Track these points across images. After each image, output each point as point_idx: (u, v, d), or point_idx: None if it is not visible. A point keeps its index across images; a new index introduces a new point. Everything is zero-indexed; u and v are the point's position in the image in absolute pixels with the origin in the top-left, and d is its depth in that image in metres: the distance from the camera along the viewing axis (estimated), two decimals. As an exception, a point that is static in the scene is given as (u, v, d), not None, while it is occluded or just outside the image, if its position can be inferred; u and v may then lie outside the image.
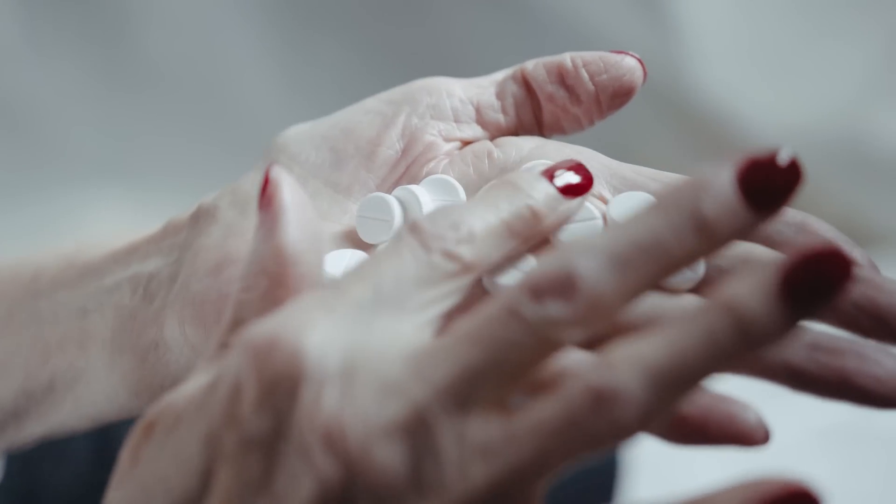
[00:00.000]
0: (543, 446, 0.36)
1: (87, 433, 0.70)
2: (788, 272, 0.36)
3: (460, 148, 0.53)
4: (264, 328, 0.38)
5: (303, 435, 0.37)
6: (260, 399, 0.38)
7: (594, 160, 0.51)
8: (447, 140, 0.53)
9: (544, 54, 0.54)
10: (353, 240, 0.51)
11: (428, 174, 0.52)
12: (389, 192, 0.52)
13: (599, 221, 0.49)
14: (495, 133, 0.54)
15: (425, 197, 0.51)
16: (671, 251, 0.37)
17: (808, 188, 1.25)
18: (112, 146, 1.36)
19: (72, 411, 0.56)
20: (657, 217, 0.37)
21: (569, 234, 0.48)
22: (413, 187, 0.51)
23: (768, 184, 0.37)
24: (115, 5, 1.34)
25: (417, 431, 0.37)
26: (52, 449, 0.70)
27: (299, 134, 0.53)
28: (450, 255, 0.41)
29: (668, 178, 0.50)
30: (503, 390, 0.37)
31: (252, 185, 0.52)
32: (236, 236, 0.51)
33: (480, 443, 0.37)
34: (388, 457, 0.37)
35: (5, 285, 0.59)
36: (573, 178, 0.46)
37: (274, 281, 0.42)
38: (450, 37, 1.34)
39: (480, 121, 0.53)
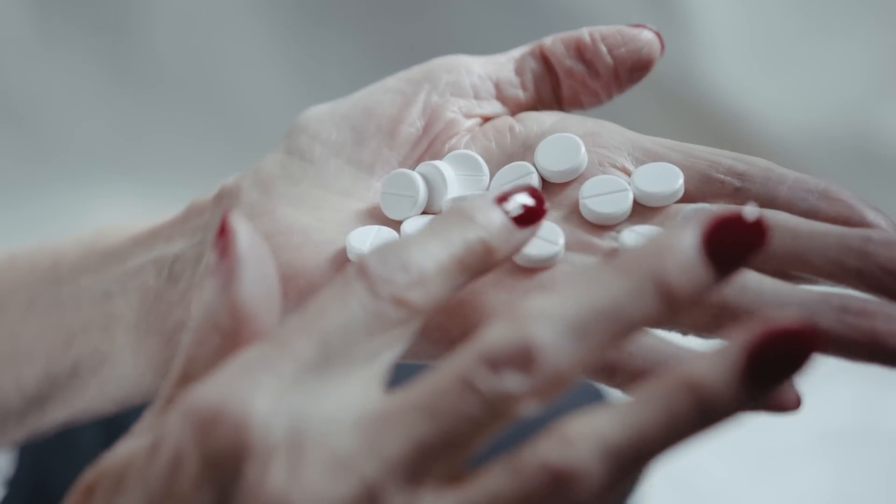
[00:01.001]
0: None
1: (97, 427, 0.70)
2: (752, 352, 0.35)
3: (481, 124, 0.53)
4: (207, 396, 0.37)
5: None
6: (202, 474, 0.36)
7: (616, 132, 0.51)
8: (467, 116, 0.53)
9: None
10: (377, 216, 0.51)
11: (450, 150, 0.52)
12: (412, 168, 0.52)
13: (629, 192, 0.49)
14: (515, 109, 0.54)
15: (449, 172, 0.51)
16: (631, 316, 0.36)
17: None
18: (120, 142, 1.36)
19: (96, 395, 0.56)
20: (617, 281, 0.36)
21: (598, 205, 0.48)
22: (437, 163, 0.51)
23: (734, 246, 0.36)
24: (123, 2, 1.34)
25: None
26: (61, 443, 0.70)
27: (320, 114, 0.53)
28: (399, 302, 0.39)
29: (689, 148, 0.50)
30: (455, 460, 0.36)
31: (274, 164, 0.52)
32: (260, 216, 0.51)
33: None
34: None
35: (25, 273, 0.59)
36: (527, 200, 0.42)
37: (227, 337, 0.40)
38: (459, 33, 1.34)
39: (500, 97, 0.53)
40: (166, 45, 1.35)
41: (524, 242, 0.43)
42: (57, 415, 0.57)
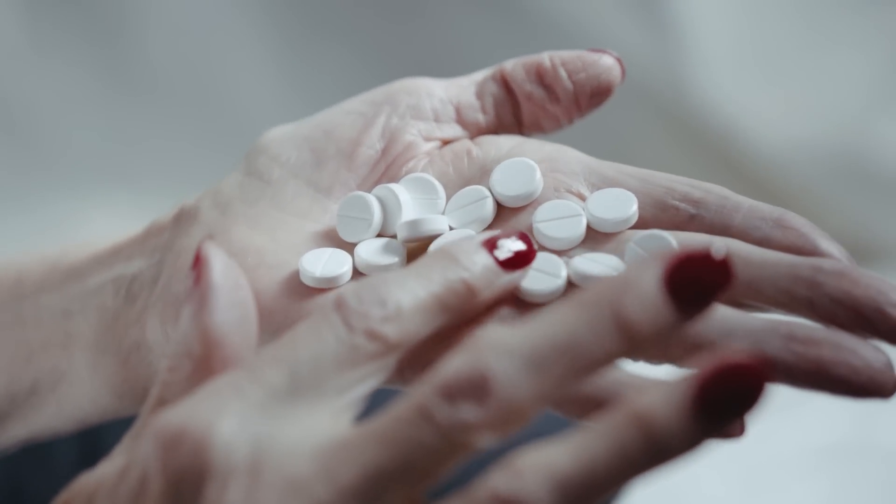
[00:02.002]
0: None
1: (71, 435, 0.70)
2: (702, 388, 0.35)
3: (440, 147, 0.53)
4: (173, 418, 0.37)
5: None
6: (165, 493, 0.37)
7: (573, 158, 0.51)
8: (427, 139, 0.53)
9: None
10: (333, 239, 0.51)
11: (407, 173, 0.52)
12: (370, 191, 0.52)
13: (583, 217, 0.48)
14: (475, 132, 0.54)
15: (405, 195, 0.51)
16: (589, 352, 0.36)
17: (811, 200, 1.25)
18: (114, 150, 1.37)
19: (55, 413, 0.56)
20: (577, 315, 0.36)
21: (551, 229, 0.48)
22: (393, 186, 0.51)
23: (697, 284, 0.36)
24: (116, 9, 1.34)
25: None
26: (35, 450, 0.70)
27: (281, 135, 0.53)
28: (373, 335, 0.39)
29: (646, 174, 0.50)
30: (411, 490, 0.37)
31: (232, 186, 0.52)
32: (217, 237, 0.51)
33: None
34: None
35: None
36: (518, 246, 0.43)
37: (199, 363, 0.41)
38: (450, 40, 1.34)
39: (460, 120, 0.53)
40: (160, 52, 1.35)
41: (511, 285, 0.43)
42: (17, 432, 0.57)
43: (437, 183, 0.51)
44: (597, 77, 0.52)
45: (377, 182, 0.53)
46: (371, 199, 0.51)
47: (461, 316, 0.43)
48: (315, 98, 1.37)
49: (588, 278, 0.46)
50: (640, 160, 1.32)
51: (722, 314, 0.44)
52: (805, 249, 0.46)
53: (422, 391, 0.36)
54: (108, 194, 1.33)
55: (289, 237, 0.51)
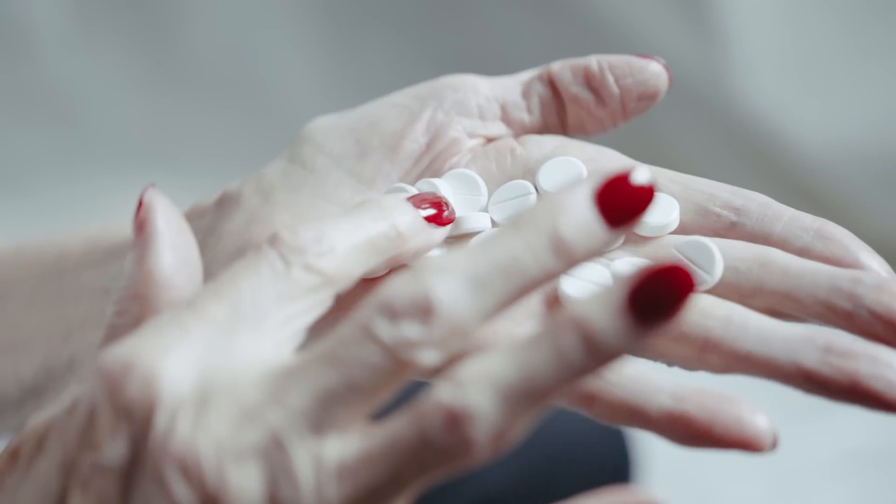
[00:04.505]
0: (397, 465, 0.37)
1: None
2: (633, 288, 0.36)
3: (483, 145, 0.53)
4: (119, 353, 0.38)
5: (156, 462, 0.37)
6: (114, 425, 0.38)
7: (616, 160, 0.51)
8: (471, 136, 0.53)
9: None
10: None
11: (451, 169, 0.53)
12: (412, 184, 0.52)
13: (533, 196, 0.50)
14: (519, 131, 0.54)
15: (447, 189, 0.51)
16: (529, 271, 0.37)
17: (853, 204, 1.25)
18: (156, 132, 1.38)
19: None
20: (514, 237, 0.38)
21: (502, 211, 0.50)
22: (435, 180, 0.51)
23: (623, 203, 0.38)
24: None
25: (273, 455, 0.37)
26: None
27: (325, 124, 0.54)
28: (310, 268, 0.41)
29: (688, 180, 0.50)
30: (360, 409, 0.38)
31: (276, 173, 0.53)
32: (259, 223, 0.51)
33: (336, 464, 0.37)
34: (244, 482, 0.37)
35: (31, 264, 0.59)
36: (430, 211, 0.47)
37: (145, 306, 0.42)
38: (493, 36, 1.34)
39: (505, 119, 0.54)
40: (204, 39, 1.36)
41: (435, 240, 0.47)
42: None
43: (479, 179, 0.51)
44: (644, 83, 0.52)
45: (419, 176, 0.53)
46: (413, 191, 0.51)
47: (392, 262, 0.46)
48: (356, 86, 1.38)
49: None
50: (681, 162, 1.32)
51: (759, 323, 0.44)
52: (846, 261, 0.46)
53: (365, 312, 0.37)
54: (148, 173, 1.35)
55: None
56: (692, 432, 0.42)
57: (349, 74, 1.37)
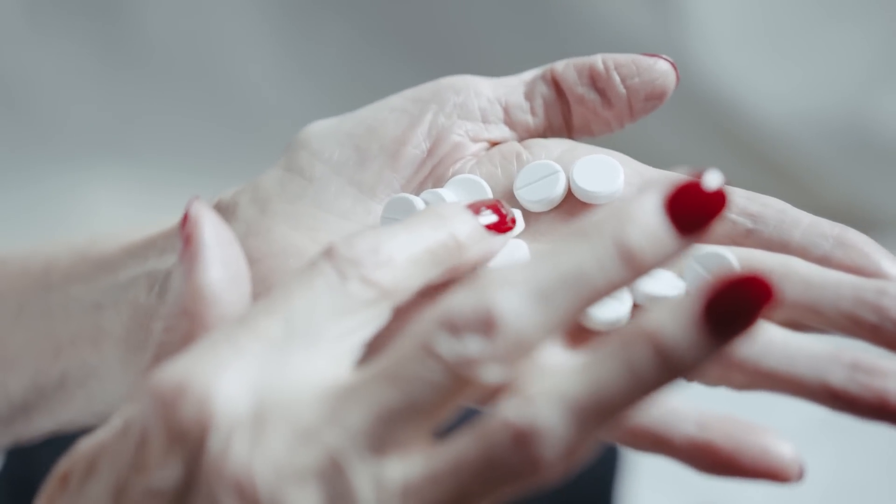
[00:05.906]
0: (464, 485, 0.36)
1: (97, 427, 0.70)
2: (709, 300, 0.35)
3: (487, 149, 0.52)
4: (171, 373, 0.37)
5: (211, 485, 0.36)
6: (167, 448, 0.37)
7: (627, 166, 0.50)
8: (474, 140, 0.52)
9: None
10: None
11: (454, 174, 0.51)
12: (415, 192, 0.51)
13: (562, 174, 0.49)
14: (523, 134, 0.53)
15: (452, 199, 0.50)
16: (594, 282, 0.36)
17: (814, 174, 1.25)
18: (111, 125, 1.36)
19: (83, 408, 0.55)
20: (581, 247, 0.36)
21: (533, 193, 0.49)
22: (440, 191, 0.50)
23: (695, 210, 0.36)
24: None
25: (331, 477, 0.36)
26: (51, 437, 0.69)
27: (322, 130, 0.52)
28: (367, 282, 0.39)
29: None
30: (422, 428, 0.36)
31: (273, 182, 0.51)
32: (256, 235, 0.50)
33: (399, 484, 0.36)
34: None
35: (15, 277, 0.58)
36: (492, 218, 0.45)
37: (194, 322, 0.41)
38: (459, 20, 1.33)
39: (509, 121, 0.52)
40: (160, 28, 1.34)
41: (496, 248, 0.45)
42: (43, 424, 0.57)
43: (485, 185, 0.50)
44: (651, 83, 0.51)
45: (422, 183, 0.51)
46: (418, 201, 0.49)
47: (451, 273, 0.43)
48: (319, 76, 1.36)
49: (654, 299, 0.46)
50: (640, 135, 1.31)
51: (783, 340, 0.43)
52: (867, 270, 0.46)
53: (425, 327, 0.36)
54: (106, 168, 1.33)
55: (330, 238, 0.49)
56: (717, 462, 0.41)
57: (308, 59, 1.35)
